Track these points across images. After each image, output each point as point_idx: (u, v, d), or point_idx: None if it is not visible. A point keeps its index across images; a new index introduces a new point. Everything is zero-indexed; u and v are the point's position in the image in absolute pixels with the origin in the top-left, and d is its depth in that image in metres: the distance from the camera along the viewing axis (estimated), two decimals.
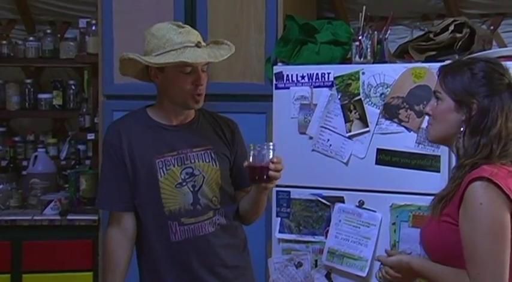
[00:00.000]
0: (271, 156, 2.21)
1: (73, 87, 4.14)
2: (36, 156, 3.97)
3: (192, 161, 2.34)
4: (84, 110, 3.98)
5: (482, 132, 1.87)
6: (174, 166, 2.31)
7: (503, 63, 2.00)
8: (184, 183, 2.32)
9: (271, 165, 2.19)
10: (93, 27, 3.80)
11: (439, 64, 2.09)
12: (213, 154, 2.37)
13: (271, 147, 2.23)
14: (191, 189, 2.32)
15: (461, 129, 1.90)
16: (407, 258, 2.01)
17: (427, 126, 2.02)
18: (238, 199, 2.45)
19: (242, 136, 2.51)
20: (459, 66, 1.96)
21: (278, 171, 2.21)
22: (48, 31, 4.11)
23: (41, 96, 4.12)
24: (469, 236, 1.79)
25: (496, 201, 1.78)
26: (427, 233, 1.98)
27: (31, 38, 4.08)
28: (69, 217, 3.64)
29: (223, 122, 2.47)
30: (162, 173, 2.30)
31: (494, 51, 2.94)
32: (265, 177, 2.21)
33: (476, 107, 1.88)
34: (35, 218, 3.63)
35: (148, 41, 2.28)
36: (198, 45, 2.25)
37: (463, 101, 1.89)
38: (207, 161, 2.36)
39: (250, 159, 2.22)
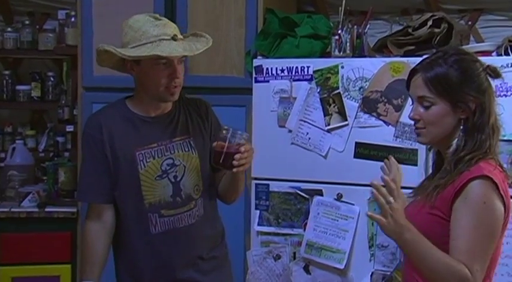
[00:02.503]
0: (241, 147, 2.21)
1: (52, 78, 4.11)
2: (14, 148, 3.94)
3: (172, 151, 2.35)
4: (63, 101, 3.96)
5: (479, 127, 1.88)
6: (154, 158, 2.32)
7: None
8: (164, 175, 2.33)
9: (237, 156, 2.21)
10: (73, 19, 3.78)
11: (417, 58, 2.10)
12: (191, 142, 2.38)
13: (244, 137, 2.24)
14: (172, 180, 2.33)
15: (461, 127, 1.89)
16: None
17: (416, 131, 1.97)
18: (216, 181, 2.47)
19: (215, 114, 2.52)
20: (438, 64, 1.91)
21: (244, 163, 2.23)
22: (27, 22, 4.07)
23: (19, 87, 4.09)
24: (471, 232, 1.79)
25: (497, 201, 1.81)
26: (413, 222, 1.92)
27: (9, 29, 4.04)
28: (47, 209, 3.62)
29: (196, 104, 2.47)
30: (142, 166, 2.31)
31: (472, 46, 2.98)
32: (228, 164, 2.22)
33: (475, 105, 1.88)
34: (13, 210, 3.60)
35: (126, 33, 2.28)
36: (174, 38, 2.25)
37: (459, 101, 1.88)
38: (186, 150, 2.37)
39: (220, 142, 2.23)
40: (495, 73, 1.95)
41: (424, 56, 2.05)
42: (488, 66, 1.95)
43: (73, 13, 3.77)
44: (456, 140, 1.91)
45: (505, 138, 2.70)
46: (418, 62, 2.03)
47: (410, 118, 1.98)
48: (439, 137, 1.94)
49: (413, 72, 1.97)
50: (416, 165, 2.86)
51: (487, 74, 1.93)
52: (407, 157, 2.88)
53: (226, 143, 2.22)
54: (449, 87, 1.88)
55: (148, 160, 2.31)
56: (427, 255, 1.80)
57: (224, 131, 2.24)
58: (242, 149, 2.22)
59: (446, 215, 1.85)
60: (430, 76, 1.91)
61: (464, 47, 2.94)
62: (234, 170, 2.25)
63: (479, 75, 1.91)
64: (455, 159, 1.90)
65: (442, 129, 1.92)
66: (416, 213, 1.94)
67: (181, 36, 2.31)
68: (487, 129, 1.89)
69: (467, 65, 1.92)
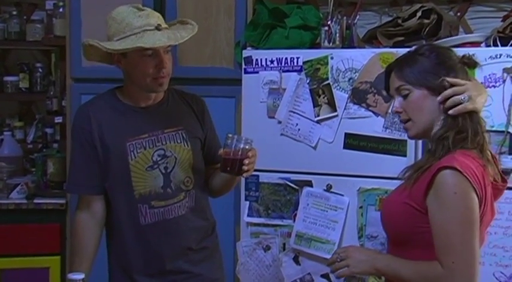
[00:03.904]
0: (247, 152, 2.24)
1: (40, 70, 4.08)
2: (2, 140, 3.92)
3: (164, 142, 2.34)
4: (52, 93, 3.94)
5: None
6: (145, 149, 2.31)
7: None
8: (155, 166, 2.32)
9: (246, 161, 2.23)
10: (61, 9, 3.75)
11: (407, 49, 2.10)
12: (184, 134, 2.38)
13: (249, 141, 2.26)
14: (163, 171, 2.33)
15: (441, 107, 1.89)
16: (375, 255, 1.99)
17: (403, 125, 1.98)
18: (207, 174, 2.48)
19: (210, 115, 2.53)
20: (409, 57, 1.97)
21: (252, 167, 2.27)
22: (14, 13, 4.03)
23: (7, 78, 4.05)
24: (444, 225, 1.79)
25: (468, 191, 1.79)
26: (388, 212, 1.99)
27: None
28: (36, 201, 3.60)
29: (192, 100, 2.48)
30: (133, 156, 2.30)
31: (461, 37, 2.98)
32: (237, 170, 2.25)
33: (449, 84, 1.88)
34: (1, 201, 3.58)
35: (110, 26, 2.26)
36: (158, 28, 2.22)
37: (434, 84, 1.89)
38: (179, 141, 2.36)
39: (227, 149, 2.24)
40: (471, 61, 1.97)
41: (413, 47, 2.06)
42: (463, 55, 1.97)
43: (61, 3, 3.75)
44: (437, 122, 1.91)
45: (494, 129, 2.72)
46: (386, 67, 2.05)
47: (393, 112, 2.01)
48: (424, 125, 1.93)
49: (388, 70, 2.01)
50: (405, 156, 2.87)
51: (463, 65, 1.95)
52: (396, 148, 2.90)
53: (233, 149, 2.24)
54: (421, 73, 1.91)
55: (139, 151, 2.31)
56: (402, 272, 1.87)
57: (229, 139, 2.25)
58: (250, 154, 2.25)
59: (420, 206, 1.84)
60: (401, 68, 1.95)
61: (453, 38, 2.96)
62: (244, 175, 2.29)
63: (451, 58, 1.93)
64: (438, 138, 1.90)
65: (425, 116, 1.92)
66: (392, 201, 1.98)
67: (166, 25, 2.29)
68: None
69: (439, 50, 1.95)
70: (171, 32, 2.26)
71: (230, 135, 2.27)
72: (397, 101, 1.96)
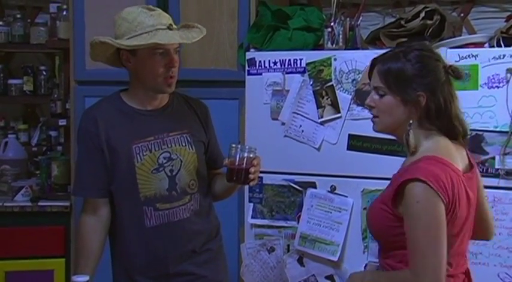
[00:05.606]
0: (252, 160, 2.26)
1: (44, 72, 4.09)
2: (6, 143, 3.93)
3: (169, 145, 2.34)
4: (56, 95, 3.95)
5: (431, 119, 1.93)
6: (151, 151, 2.32)
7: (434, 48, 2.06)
8: (161, 169, 2.32)
9: (252, 169, 2.24)
10: (64, 12, 3.76)
11: None
12: (189, 138, 2.38)
13: (253, 150, 2.27)
14: (168, 174, 2.33)
15: (410, 121, 1.93)
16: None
17: (372, 119, 2.02)
18: (208, 179, 2.49)
19: (212, 118, 2.55)
20: (396, 58, 1.95)
21: (256, 176, 2.28)
22: (18, 16, 4.04)
23: (11, 81, 4.06)
24: (411, 233, 1.84)
25: (431, 199, 1.82)
26: (368, 214, 2.06)
27: (0, 23, 4.01)
28: (40, 203, 3.61)
29: (196, 105, 2.49)
30: (138, 159, 2.30)
31: (464, 38, 2.98)
32: (243, 179, 2.26)
33: (425, 100, 1.90)
34: (6, 204, 3.59)
35: (119, 25, 2.26)
36: (169, 27, 2.25)
37: (409, 95, 1.91)
38: (184, 145, 2.37)
39: (232, 159, 2.25)
40: (456, 73, 1.97)
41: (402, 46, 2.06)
42: (450, 66, 1.97)
43: (65, 6, 3.76)
44: (404, 134, 1.94)
45: (498, 129, 2.72)
46: (372, 59, 2.04)
47: (366, 104, 2.03)
48: (391, 126, 1.98)
49: (374, 62, 2.01)
50: None
51: (448, 74, 1.95)
52: (400, 149, 2.88)
53: (237, 159, 2.25)
54: (399, 81, 1.92)
55: (144, 153, 2.31)
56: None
57: (233, 149, 2.27)
58: (255, 162, 2.26)
59: (391, 209, 1.90)
60: (383, 69, 1.96)
61: (456, 38, 2.95)
62: (251, 184, 2.30)
63: (435, 72, 1.93)
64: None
65: (393, 119, 1.96)
66: (373, 206, 2.03)
67: (176, 26, 2.31)
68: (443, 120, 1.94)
69: (425, 61, 1.94)
70: (182, 33, 2.29)
71: (234, 145, 2.28)
72: (372, 97, 1.99)
